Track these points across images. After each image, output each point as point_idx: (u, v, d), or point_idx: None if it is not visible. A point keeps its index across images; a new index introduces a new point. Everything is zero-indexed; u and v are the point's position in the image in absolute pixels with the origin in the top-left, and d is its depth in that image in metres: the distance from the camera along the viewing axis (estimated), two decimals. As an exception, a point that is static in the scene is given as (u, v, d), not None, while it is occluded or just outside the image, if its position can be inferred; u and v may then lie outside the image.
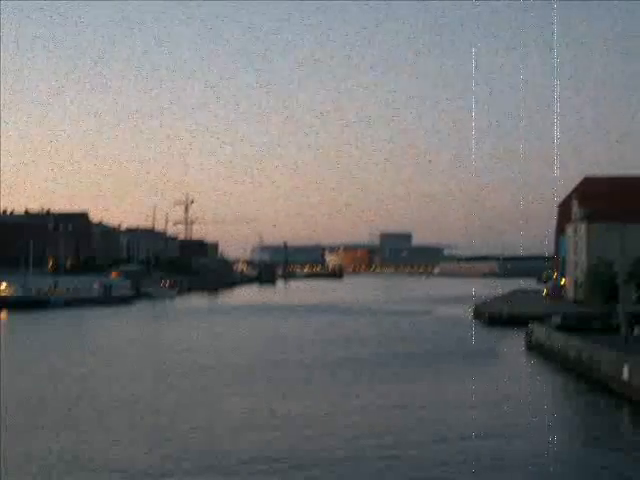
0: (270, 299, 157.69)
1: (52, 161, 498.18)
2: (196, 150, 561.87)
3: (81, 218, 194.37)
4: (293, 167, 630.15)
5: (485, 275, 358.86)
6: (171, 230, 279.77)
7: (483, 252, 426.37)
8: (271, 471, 25.53)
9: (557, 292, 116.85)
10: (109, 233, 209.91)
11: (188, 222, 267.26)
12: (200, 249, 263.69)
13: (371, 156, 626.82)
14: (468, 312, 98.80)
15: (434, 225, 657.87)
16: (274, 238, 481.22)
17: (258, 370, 49.40)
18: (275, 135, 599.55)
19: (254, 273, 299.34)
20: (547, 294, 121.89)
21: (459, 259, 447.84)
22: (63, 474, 25.10)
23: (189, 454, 27.49)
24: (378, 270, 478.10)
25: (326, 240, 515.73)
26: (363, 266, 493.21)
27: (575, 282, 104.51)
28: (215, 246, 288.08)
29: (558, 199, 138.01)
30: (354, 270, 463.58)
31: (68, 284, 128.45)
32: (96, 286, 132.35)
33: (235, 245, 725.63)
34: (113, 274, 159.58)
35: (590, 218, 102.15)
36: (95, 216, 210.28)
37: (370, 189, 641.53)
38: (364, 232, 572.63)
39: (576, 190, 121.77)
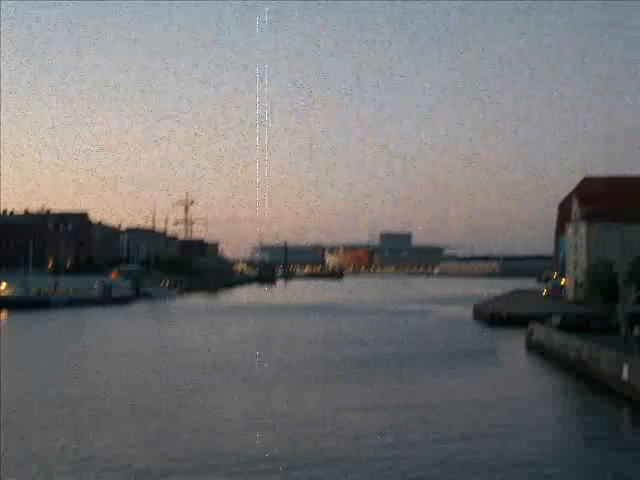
0: (270, 299, 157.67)
1: (52, 161, 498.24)
2: (196, 150, 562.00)
3: (81, 218, 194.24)
4: (293, 167, 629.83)
5: (485, 275, 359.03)
6: (171, 230, 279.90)
7: (483, 252, 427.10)
8: (271, 471, 25.52)
9: (557, 292, 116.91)
10: (109, 233, 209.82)
11: (188, 222, 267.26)
12: (200, 249, 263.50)
13: (371, 156, 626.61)
14: (468, 312, 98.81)
15: (434, 225, 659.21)
16: (274, 238, 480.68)
17: (258, 370, 49.38)
18: (275, 135, 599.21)
19: (254, 273, 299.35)
20: (547, 294, 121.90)
21: (459, 259, 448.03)
22: (63, 474, 25.09)
23: (189, 454, 27.48)
24: (378, 270, 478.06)
25: (326, 240, 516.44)
26: (363, 266, 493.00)
27: (575, 282, 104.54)
28: (215, 246, 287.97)
29: (558, 199, 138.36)
30: (354, 270, 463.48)
31: (68, 284, 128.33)
32: (96, 286, 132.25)
33: (235, 245, 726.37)
34: (113, 274, 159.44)
35: (590, 218, 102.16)
36: (95, 216, 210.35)
37: (370, 189, 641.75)
38: (364, 232, 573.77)
39: (576, 190, 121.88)
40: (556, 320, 62.14)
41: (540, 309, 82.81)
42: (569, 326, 59.08)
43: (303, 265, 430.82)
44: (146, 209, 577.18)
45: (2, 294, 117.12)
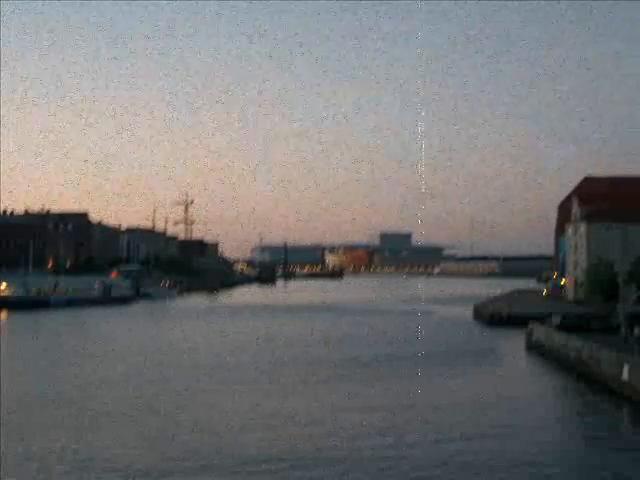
0: (270, 299, 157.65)
1: (52, 161, 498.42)
2: (196, 150, 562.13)
3: (81, 218, 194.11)
4: (293, 167, 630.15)
5: (485, 275, 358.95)
6: (171, 230, 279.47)
7: (483, 252, 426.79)
8: (271, 471, 25.52)
9: (557, 292, 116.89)
10: (109, 233, 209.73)
11: (188, 222, 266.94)
12: (200, 249, 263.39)
13: (371, 156, 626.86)
14: (468, 312, 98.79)
15: (434, 225, 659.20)
16: (274, 238, 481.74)
17: (258, 370, 49.37)
18: (275, 135, 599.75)
19: (254, 273, 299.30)
20: (547, 294, 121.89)
21: (459, 259, 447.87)
22: (63, 474, 25.09)
23: (189, 454, 27.48)
24: (378, 270, 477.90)
25: (326, 240, 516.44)
26: (363, 266, 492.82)
27: (575, 282, 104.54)
28: (215, 246, 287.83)
29: (558, 199, 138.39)
30: (354, 270, 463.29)
31: (68, 284, 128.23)
32: (96, 286, 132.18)
33: (235, 245, 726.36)
34: (113, 274, 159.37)
35: (590, 218, 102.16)
36: (95, 216, 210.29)
37: (370, 189, 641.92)
38: (364, 232, 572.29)
39: (576, 190, 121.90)
40: (556, 320, 62.11)
41: (540, 309, 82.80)
42: (569, 326, 59.06)
43: (303, 265, 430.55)
44: (146, 209, 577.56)
45: (2, 294, 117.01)
